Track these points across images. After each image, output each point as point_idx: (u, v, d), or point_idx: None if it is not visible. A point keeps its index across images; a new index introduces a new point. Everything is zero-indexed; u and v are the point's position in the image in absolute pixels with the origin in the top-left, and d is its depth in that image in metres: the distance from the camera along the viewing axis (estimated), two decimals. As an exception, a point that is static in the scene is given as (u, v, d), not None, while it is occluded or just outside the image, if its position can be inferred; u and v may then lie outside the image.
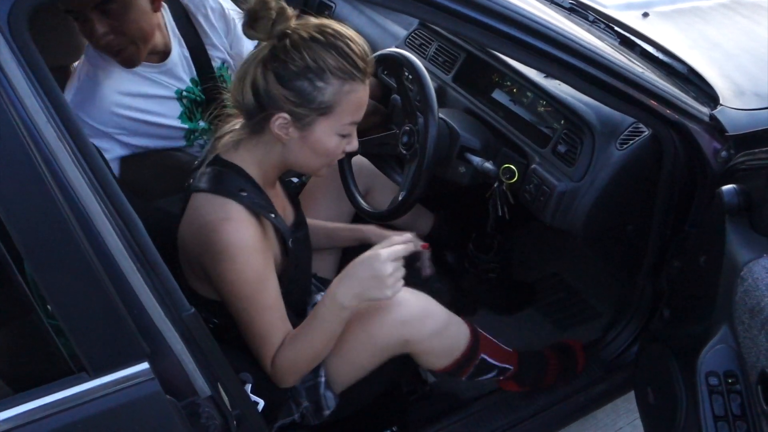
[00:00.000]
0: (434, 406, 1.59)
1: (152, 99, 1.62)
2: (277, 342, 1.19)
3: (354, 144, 1.21)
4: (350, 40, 1.13)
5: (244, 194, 1.16)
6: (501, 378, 1.49)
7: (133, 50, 1.53)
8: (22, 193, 0.77)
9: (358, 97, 1.15)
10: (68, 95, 1.56)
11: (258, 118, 1.15)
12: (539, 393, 1.53)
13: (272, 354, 1.19)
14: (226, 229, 1.12)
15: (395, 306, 1.27)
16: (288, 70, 1.10)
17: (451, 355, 1.36)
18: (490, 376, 1.46)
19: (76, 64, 1.65)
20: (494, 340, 1.46)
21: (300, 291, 1.38)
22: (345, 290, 1.15)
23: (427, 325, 1.30)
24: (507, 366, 1.47)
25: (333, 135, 1.16)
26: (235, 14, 1.75)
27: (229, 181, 1.17)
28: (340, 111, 1.14)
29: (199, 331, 0.91)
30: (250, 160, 1.20)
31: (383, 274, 1.12)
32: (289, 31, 1.10)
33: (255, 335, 1.19)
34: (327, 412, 1.32)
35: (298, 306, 1.37)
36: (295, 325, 1.23)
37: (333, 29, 1.13)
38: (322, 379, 1.31)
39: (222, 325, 1.25)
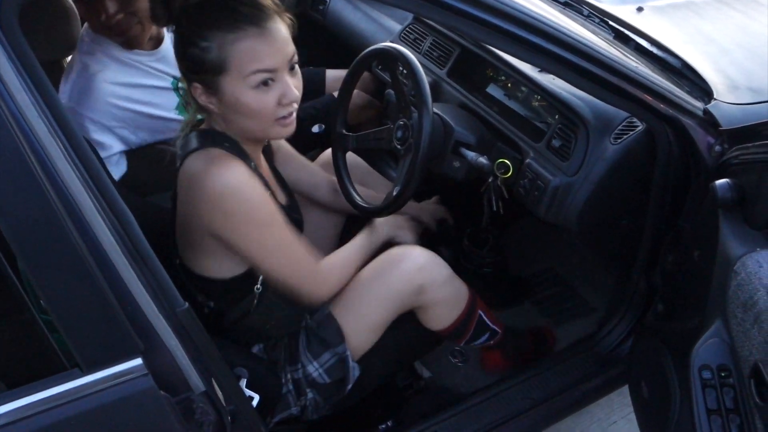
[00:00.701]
0: (429, 401, 1.59)
1: (148, 90, 1.62)
2: (313, 260, 1.27)
3: (291, 93, 1.14)
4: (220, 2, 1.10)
5: (227, 144, 1.17)
6: (491, 342, 1.55)
7: (138, 30, 1.54)
8: (14, 189, 0.77)
9: (249, 44, 1.09)
10: (64, 91, 1.56)
11: (190, 96, 1.18)
12: (534, 387, 1.54)
13: (313, 268, 1.27)
14: (218, 172, 1.12)
15: (409, 255, 1.37)
16: (180, 44, 1.13)
17: (456, 308, 1.43)
18: (483, 339, 1.53)
19: (68, 59, 1.64)
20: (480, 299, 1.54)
21: None
22: (385, 225, 1.44)
23: (438, 272, 1.39)
24: (496, 328, 1.55)
25: (245, 90, 1.11)
26: None
27: (212, 137, 1.18)
28: (235, 63, 1.09)
29: (193, 327, 0.91)
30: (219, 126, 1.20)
31: (412, 228, 1.50)
32: (182, 5, 1.11)
33: (290, 264, 1.23)
34: (349, 387, 1.34)
35: None
36: (285, 300, 1.29)
37: None
38: (348, 353, 1.32)
39: (218, 310, 1.25)
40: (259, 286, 1.26)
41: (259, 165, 1.26)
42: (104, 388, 0.82)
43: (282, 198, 1.33)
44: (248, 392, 1.12)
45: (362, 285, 1.34)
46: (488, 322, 1.53)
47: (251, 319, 1.29)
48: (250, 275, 1.25)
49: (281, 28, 1.13)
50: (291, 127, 1.20)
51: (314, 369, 1.32)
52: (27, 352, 0.91)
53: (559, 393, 1.54)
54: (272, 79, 1.12)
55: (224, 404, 0.95)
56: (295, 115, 1.20)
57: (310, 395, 1.33)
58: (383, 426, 1.51)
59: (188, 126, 1.24)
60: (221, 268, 1.23)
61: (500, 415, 1.48)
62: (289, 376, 1.33)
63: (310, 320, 1.35)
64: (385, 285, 1.34)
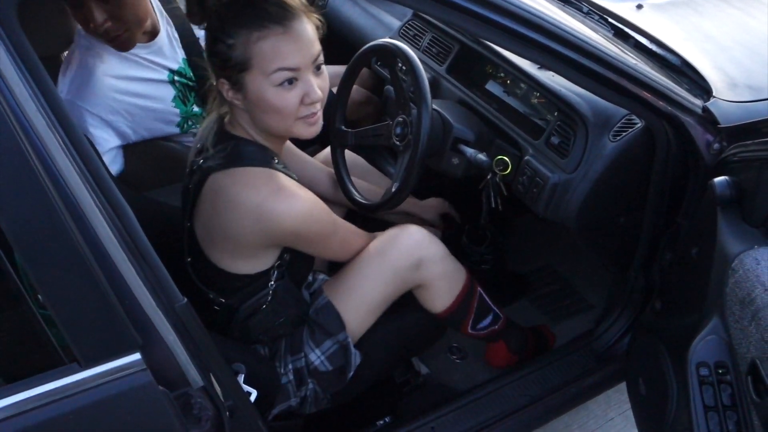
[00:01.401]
0: (427, 397, 1.59)
1: (146, 83, 1.63)
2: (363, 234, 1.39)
3: (313, 94, 1.16)
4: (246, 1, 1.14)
5: (275, 161, 1.21)
6: (495, 327, 1.54)
7: (128, 36, 1.55)
8: (13, 184, 0.77)
9: (273, 42, 1.11)
10: (64, 85, 1.56)
11: (216, 92, 1.20)
12: (532, 383, 1.54)
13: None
14: (284, 200, 1.15)
15: (406, 231, 1.39)
16: (209, 40, 1.16)
17: (456, 284, 1.43)
18: (488, 321, 1.52)
19: (65, 53, 1.64)
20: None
21: (304, 265, 1.38)
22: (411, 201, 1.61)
23: (435, 247, 1.39)
24: (498, 312, 1.54)
25: (268, 87, 1.13)
26: None
27: (251, 152, 1.20)
28: (259, 61, 1.12)
29: (191, 322, 0.91)
30: (250, 131, 1.22)
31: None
32: (215, 5, 1.14)
33: (353, 248, 1.35)
34: (350, 375, 1.34)
35: (300, 280, 1.38)
36: (295, 295, 1.33)
37: None
38: (349, 339, 1.33)
39: (229, 306, 1.27)
40: (272, 282, 1.27)
41: (282, 160, 1.27)
42: (102, 383, 0.82)
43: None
44: (246, 387, 1.12)
45: (361, 265, 1.35)
46: (490, 303, 1.52)
47: (262, 315, 1.30)
48: (270, 271, 1.27)
49: (307, 28, 1.15)
50: (317, 127, 1.22)
51: (316, 357, 1.33)
52: (25, 346, 0.91)
53: (557, 390, 1.54)
54: (295, 78, 1.14)
55: (222, 399, 0.95)
56: (320, 114, 1.22)
57: (311, 386, 1.33)
58: (381, 422, 1.52)
59: (213, 123, 1.24)
60: (247, 265, 1.25)
61: (498, 411, 1.48)
62: (290, 366, 1.34)
63: (311, 310, 1.36)
64: (384, 262, 1.35)
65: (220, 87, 1.18)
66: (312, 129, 1.21)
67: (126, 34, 1.53)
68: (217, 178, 1.17)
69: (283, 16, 1.12)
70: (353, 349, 1.34)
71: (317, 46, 1.17)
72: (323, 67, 1.19)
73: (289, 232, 1.19)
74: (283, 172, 1.21)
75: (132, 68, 1.61)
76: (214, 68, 1.17)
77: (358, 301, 1.35)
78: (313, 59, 1.15)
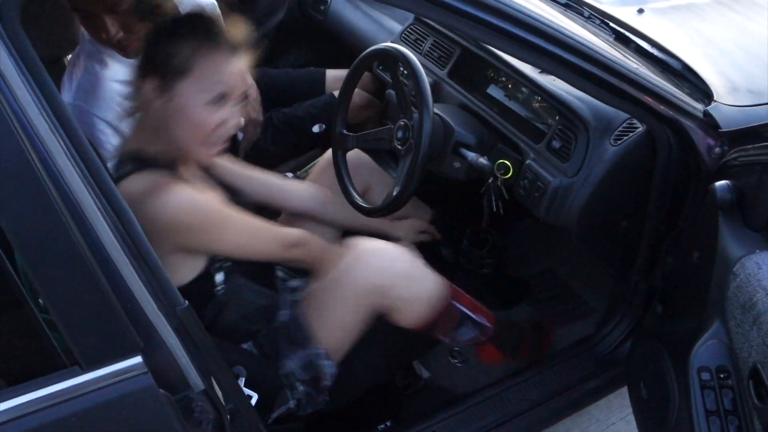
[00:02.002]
0: (428, 401, 1.59)
1: None
2: (282, 229, 1.34)
3: (232, 122, 1.21)
4: (213, 18, 1.22)
5: (160, 166, 1.20)
6: (482, 337, 1.50)
7: (138, 45, 1.56)
8: (15, 186, 0.77)
9: (219, 60, 1.16)
10: (69, 91, 1.58)
11: (136, 89, 1.20)
12: (533, 387, 1.54)
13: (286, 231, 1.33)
14: (167, 196, 1.15)
15: (369, 254, 1.33)
16: (155, 36, 1.18)
17: (426, 302, 1.36)
18: (471, 335, 1.48)
19: (69, 56, 1.65)
20: (467, 294, 1.48)
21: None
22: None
23: (402, 269, 1.34)
24: (484, 322, 1.49)
25: (197, 100, 1.16)
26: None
27: (144, 161, 1.21)
28: (199, 72, 1.15)
29: (193, 325, 0.91)
30: (148, 144, 1.22)
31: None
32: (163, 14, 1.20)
33: (268, 241, 1.30)
34: (327, 383, 1.33)
35: (255, 274, 1.38)
36: (252, 288, 1.34)
37: (197, 11, 1.24)
38: (321, 351, 1.32)
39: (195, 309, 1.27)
40: (219, 288, 1.28)
41: (184, 171, 1.28)
42: (104, 386, 0.82)
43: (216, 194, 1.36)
44: (247, 391, 1.12)
45: (327, 286, 1.33)
46: (473, 316, 1.47)
47: (226, 316, 1.30)
48: (207, 275, 1.27)
49: (245, 63, 1.22)
50: (212, 157, 1.27)
51: (294, 365, 1.33)
52: (27, 349, 0.91)
53: (558, 394, 1.54)
54: (224, 102, 1.18)
55: (223, 403, 0.95)
56: (221, 148, 1.26)
57: (301, 388, 1.33)
58: (382, 426, 1.51)
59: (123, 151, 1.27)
60: (177, 274, 1.23)
61: (499, 415, 1.48)
62: (280, 371, 1.34)
63: (281, 319, 1.36)
64: (347, 287, 1.32)
65: (142, 84, 1.18)
66: (209, 156, 1.26)
67: (136, 43, 1.55)
68: (127, 184, 1.19)
69: (232, 44, 1.19)
70: (324, 361, 1.32)
71: (246, 83, 1.24)
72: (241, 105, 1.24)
73: (168, 227, 1.16)
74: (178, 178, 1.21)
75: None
76: (147, 63, 1.18)
77: (329, 320, 1.33)
78: (243, 91, 1.22)
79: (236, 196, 1.41)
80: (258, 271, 1.39)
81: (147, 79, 1.17)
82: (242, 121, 1.25)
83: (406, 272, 1.35)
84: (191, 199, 1.19)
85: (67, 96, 1.57)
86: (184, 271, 1.24)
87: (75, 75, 1.58)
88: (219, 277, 1.29)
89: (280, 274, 1.44)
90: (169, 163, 1.22)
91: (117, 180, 1.17)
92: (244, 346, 1.35)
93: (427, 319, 1.38)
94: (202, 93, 1.16)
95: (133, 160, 1.21)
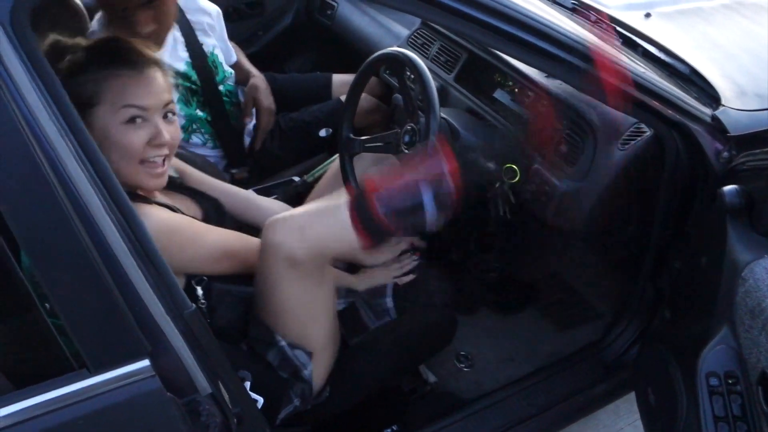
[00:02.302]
0: (435, 406, 1.59)
1: None
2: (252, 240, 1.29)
3: (162, 136, 1.18)
4: (114, 39, 1.21)
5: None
6: (445, 184, 1.15)
7: (163, 37, 1.66)
8: (24, 189, 0.77)
9: (124, 81, 1.16)
10: None
11: None
12: (540, 393, 1.53)
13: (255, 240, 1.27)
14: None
15: (263, 236, 1.20)
16: (63, 76, 1.14)
17: (347, 228, 1.16)
18: (430, 212, 1.14)
19: None
20: (390, 175, 1.19)
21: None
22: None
23: (289, 229, 1.18)
24: (435, 189, 1.14)
25: (115, 123, 1.15)
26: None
27: None
28: (107, 96, 1.15)
29: (200, 329, 0.91)
30: None
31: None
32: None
33: (243, 253, 1.27)
34: (307, 373, 1.29)
35: (234, 278, 1.35)
36: (231, 293, 1.31)
37: (103, 38, 1.22)
38: (283, 342, 1.28)
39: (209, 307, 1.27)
40: (202, 301, 1.26)
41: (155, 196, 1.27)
42: (111, 389, 0.83)
43: (194, 207, 1.36)
44: (253, 395, 1.12)
45: (256, 281, 1.27)
46: (407, 202, 1.14)
47: (215, 324, 1.28)
48: (190, 288, 1.25)
49: (158, 76, 1.19)
50: (161, 180, 1.22)
51: (276, 364, 1.31)
52: (35, 352, 0.91)
53: (565, 399, 1.53)
54: (143, 118, 1.17)
55: (230, 407, 0.95)
56: (167, 167, 1.23)
57: (296, 385, 1.33)
58: (388, 430, 1.51)
59: None
60: None
61: (506, 420, 1.48)
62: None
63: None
64: (265, 276, 1.22)
65: None
66: (156, 181, 1.21)
67: (162, 35, 1.62)
68: None
69: (136, 62, 1.17)
70: (295, 351, 1.28)
71: (168, 96, 1.21)
72: (172, 116, 1.22)
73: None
74: (150, 202, 1.21)
75: None
76: None
77: (279, 309, 1.25)
78: (163, 104, 1.20)
79: (216, 207, 1.40)
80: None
81: None
82: (174, 134, 1.23)
83: (299, 222, 1.19)
84: (162, 220, 1.18)
85: None
86: None
87: None
88: (199, 290, 1.26)
89: None
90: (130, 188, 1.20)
91: None
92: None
93: (360, 237, 1.16)
94: (117, 115, 1.15)
95: None
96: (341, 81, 2.16)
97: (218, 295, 1.29)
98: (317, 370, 1.32)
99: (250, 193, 1.62)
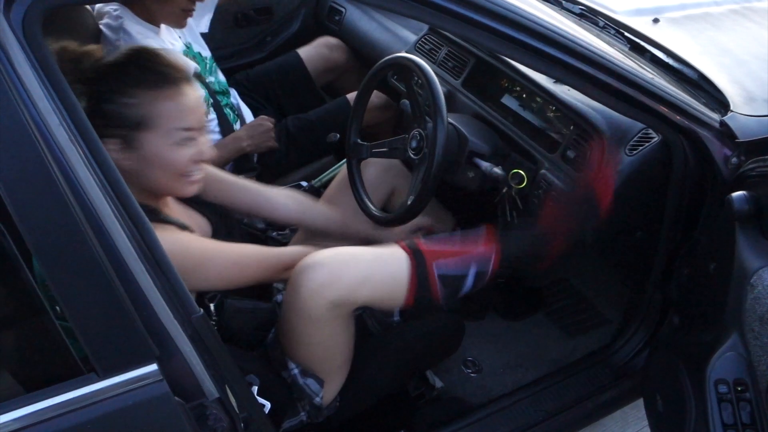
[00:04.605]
0: (442, 411, 1.58)
1: None
2: (273, 252, 1.28)
3: (205, 153, 1.20)
4: (152, 54, 1.17)
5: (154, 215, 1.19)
6: (488, 274, 1.31)
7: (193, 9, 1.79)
8: (34, 194, 0.78)
9: (173, 103, 1.15)
10: None
11: None
12: (547, 398, 1.53)
13: (278, 254, 1.26)
14: None
15: (308, 271, 1.20)
16: (97, 99, 1.14)
17: (400, 286, 1.23)
18: (468, 285, 1.29)
19: None
20: (446, 246, 1.29)
21: None
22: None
23: (347, 276, 1.20)
24: (478, 267, 1.29)
25: (167, 146, 1.16)
26: None
27: None
28: (160, 120, 1.14)
29: (208, 334, 0.92)
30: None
31: None
32: (95, 66, 1.15)
33: (254, 272, 1.26)
34: (317, 400, 1.31)
35: (247, 291, 1.37)
36: (245, 305, 1.32)
37: (133, 49, 1.18)
38: (295, 371, 1.30)
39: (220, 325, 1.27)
40: (214, 317, 1.28)
41: (167, 210, 1.27)
42: (119, 393, 0.83)
43: (202, 222, 1.36)
44: (260, 400, 1.12)
45: (287, 307, 1.26)
46: (457, 272, 1.27)
47: (227, 328, 1.30)
48: (202, 304, 1.26)
49: (194, 93, 1.20)
50: (196, 186, 1.25)
51: (293, 386, 1.32)
52: (45, 356, 0.92)
53: (573, 405, 1.53)
54: (191, 138, 1.18)
55: (237, 411, 0.95)
56: (202, 174, 1.25)
57: (306, 401, 1.33)
58: (395, 435, 1.51)
59: None
60: None
61: (513, 426, 1.47)
62: (288, 380, 1.34)
63: (270, 337, 1.36)
64: (299, 312, 1.22)
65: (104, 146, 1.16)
66: (192, 188, 1.24)
67: (194, 6, 1.74)
68: None
69: (179, 79, 1.17)
70: (307, 379, 1.30)
71: (204, 110, 1.24)
72: (208, 126, 1.25)
73: None
74: (163, 221, 1.21)
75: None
76: (101, 128, 1.11)
77: (303, 341, 1.27)
78: (204, 120, 1.22)
79: (225, 214, 1.40)
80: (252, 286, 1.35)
81: (106, 139, 1.12)
82: (209, 146, 1.25)
83: (357, 275, 1.20)
84: (173, 242, 1.15)
85: None
86: None
87: None
88: (211, 307, 1.28)
89: (276, 285, 1.44)
90: (146, 205, 1.19)
91: None
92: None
93: (406, 301, 1.25)
94: (169, 138, 1.16)
95: None
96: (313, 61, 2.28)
97: (230, 314, 1.30)
98: (328, 393, 1.33)
99: (259, 185, 1.60)
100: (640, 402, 1.50)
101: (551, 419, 1.50)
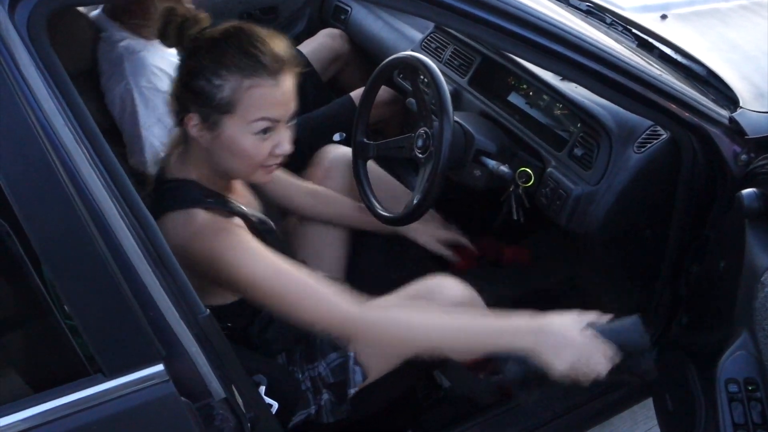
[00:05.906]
0: (449, 411, 1.58)
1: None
2: (340, 299, 1.09)
3: (285, 146, 1.16)
4: (254, 38, 1.11)
5: (210, 200, 1.17)
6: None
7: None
8: (40, 195, 0.78)
9: (263, 92, 1.10)
10: (115, 95, 1.64)
11: (179, 124, 1.18)
12: (555, 398, 1.52)
13: (345, 308, 1.08)
14: (208, 238, 1.10)
15: (445, 291, 1.31)
16: (190, 72, 1.12)
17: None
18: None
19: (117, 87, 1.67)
20: None
21: None
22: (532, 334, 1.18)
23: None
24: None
25: (246, 133, 1.12)
26: None
27: (186, 192, 1.17)
28: (244, 107, 1.10)
29: (214, 334, 0.92)
30: (193, 172, 1.20)
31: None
32: (197, 36, 1.12)
33: (309, 310, 1.10)
34: (352, 390, 1.32)
35: None
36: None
37: (236, 27, 1.13)
38: (351, 355, 1.32)
39: (236, 328, 1.26)
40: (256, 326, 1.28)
41: (234, 194, 1.27)
42: (126, 394, 0.83)
43: (256, 216, 1.33)
44: (267, 399, 1.12)
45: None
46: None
47: (272, 330, 1.30)
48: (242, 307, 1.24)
49: (290, 84, 1.14)
50: (272, 176, 1.23)
51: (324, 367, 1.33)
52: (51, 356, 0.92)
53: (581, 405, 1.52)
54: (272, 129, 1.14)
55: (244, 411, 0.95)
56: (280, 165, 1.23)
57: (326, 396, 1.33)
58: (402, 435, 1.51)
59: (171, 149, 1.25)
60: (221, 296, 1.21)
61: (521, 426, 1.47)
62: (307, 374, 1.34)
63: None
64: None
65: (186, 120, 1.13)
66: (268, 177, 1.22)
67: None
68: (169, 221, 1.13)
69: (276, 70, 1.11)
70: (353, 365, 1.32)
71: (294, 103, 1.17)
72: (294, 122, 1.20)
73: (216, 272, 1.10)
74: (224, 209, 1.18)
75: (159, 61, 1.68)
76: (187, 101, 1.13)
77: (385, 357, 1.33)
78: (291, 113, 1.17)
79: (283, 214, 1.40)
80: None
81: (187, 114, 1.13)
82: (291, 139, 1.20)
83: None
84: (234, 250, 1.11)
85: (116, 101, 1.64)
86: (229, 293, 1.22)
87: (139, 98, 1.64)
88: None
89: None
90: (214, 191, 1.20)
91: (156, 211, 1.10)
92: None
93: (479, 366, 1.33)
94: (249, 126, 1.12)
95: (173, 191, 1.18)
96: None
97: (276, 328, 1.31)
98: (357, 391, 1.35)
99: (317, 186, 1.64)
100: (650, 401, 1.49)
101: (559, 419, 1.49)
